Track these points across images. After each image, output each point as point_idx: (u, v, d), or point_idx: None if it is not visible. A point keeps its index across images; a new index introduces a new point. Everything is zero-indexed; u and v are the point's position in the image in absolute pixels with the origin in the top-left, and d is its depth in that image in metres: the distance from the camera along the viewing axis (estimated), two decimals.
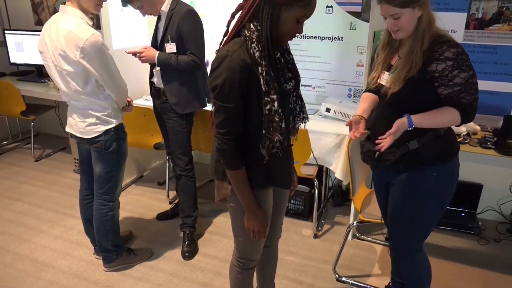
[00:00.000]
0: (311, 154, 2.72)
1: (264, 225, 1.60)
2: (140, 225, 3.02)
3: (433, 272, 2.52)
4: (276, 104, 1.39)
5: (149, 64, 2.59)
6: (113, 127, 2.22)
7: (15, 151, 4.46)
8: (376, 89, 1.79)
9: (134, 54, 2.49)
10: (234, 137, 1.44)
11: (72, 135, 2.30)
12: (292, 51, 1.58)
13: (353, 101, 3.08)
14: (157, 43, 2.52)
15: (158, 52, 2.46)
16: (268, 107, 1.40)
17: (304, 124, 1.65)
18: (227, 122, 1.42)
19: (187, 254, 2.67)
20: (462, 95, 1.56)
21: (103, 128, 2.20)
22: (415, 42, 1.58)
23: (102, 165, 2.28)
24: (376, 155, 1.70)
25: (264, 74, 1.37)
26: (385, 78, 1.71)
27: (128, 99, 2.35)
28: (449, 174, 1.74)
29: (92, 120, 2.18)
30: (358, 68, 3.10)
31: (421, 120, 1.60)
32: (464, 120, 1.62)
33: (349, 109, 2.88)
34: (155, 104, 2.68)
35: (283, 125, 1.43)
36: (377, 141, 1.64)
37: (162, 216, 3.12)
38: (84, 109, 2.17)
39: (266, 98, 1.39)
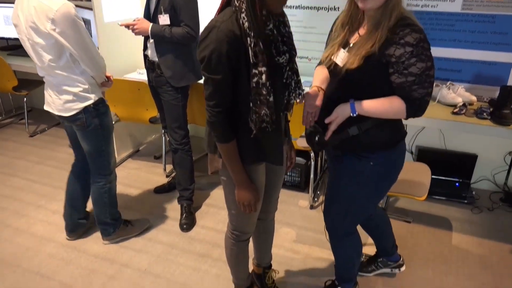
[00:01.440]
0: None
1: (254, 199, 1.60)
2: (138, 199, 3.04)
3: (426, 241, 2.58)
4: (264, 77, 1.37)
5: (143, 36, 2.54)
6: (92, 103, 2.16)
7: (9, 127, 4.42)
8: (328, 68, 1.66)
9: (127, 26, 2.44)
10: (223, 109, 1.43)
11: (51, 113, 2.24)
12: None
13: None
14: (150, 15, 2.46)
15: (151, 24, 2.41)
16: (255, 79, 1.37)
17: (299, 99, 1.60)
18: (215, 94, 1.41)
19: (185, 226, 2.70)
20: (414, 87, 1.45)
21: (81, 105, 2.14)
22: (383, 16, 1.44)
23: (89, 142, 2.26)
24: (317, 138, 1.63)
25: (252, 45, 1.34)
26: (340, 56, 1.57)
27: (108, 74, 2.27)
28: (389, 162, 1.67)
29: (69, 97, 2.12)
30: None
31: (365, 107, 1.51)
32: (411, 115, 1.51)
33: None
34: (149, 77, 2.64)
35: (270, 99, 1.40)
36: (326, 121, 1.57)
37: (159, 190, 3.14)
38: (59, 85, 2.11)
39: (254, 71, 1.36)
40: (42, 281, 2.27)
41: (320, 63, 1.74)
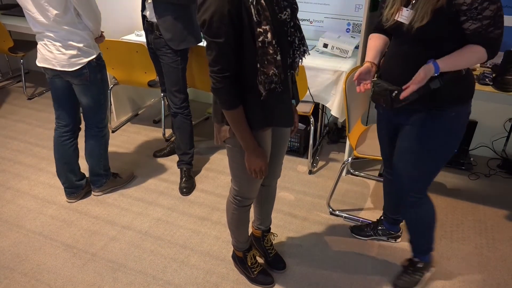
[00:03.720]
0: (308, 91, 2.70)
1: (265, 165, 1.59)
2: (137, 163, 3.06)
3: None
4: (269, 35, 1.33)
5: None
6: (95, 58, 2.25)
7: (6, 89, 4.38)
8: (392, 28, 1.62)
9: None
10: (229, 74, 1.40)
11: (47, 69, 2.27)
12: None
13: (352, 36, 3.00)
14: None
15: None
16: (261, 38, 1.33)
17: (304, 57, 1.58)
18: (220, 59, 1.37)
19: (184, 190, 2.73)
20: (490, 29, 1.44)
21: (85, 60, 2.21)
22: None
23: (90, 96, 2.33)
24: (394, 94, 1.60)
25: (254, 3, 1.30)
26: (404, 15, 1.55)
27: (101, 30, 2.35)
28: (465, 116, 1.68)
29: (74, 52, 2.17)
30: (358, 1, 2.98)
31: (447, 63, 1.50)
32: (491, 56, 1.51)
33: (347, 45, 2.82)
34: (148, 39, 2.59)
35: (278, 58, 1.37)
36: (404, 87, 1.53)
37: (158, 154, 3.15)
38: (63, 40, 2.15)
39: (258, 29, 1.32)
40: (45, 242, 2.32)
41: (377, 28, 1.75)
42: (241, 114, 1.47)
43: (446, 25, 1.48)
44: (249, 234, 2.06)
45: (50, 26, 2.11)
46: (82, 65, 2.21)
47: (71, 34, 2.14)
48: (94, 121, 2.45)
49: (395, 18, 1.59)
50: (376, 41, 1.75)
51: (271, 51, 1.35)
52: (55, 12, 2.05)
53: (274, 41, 1.34)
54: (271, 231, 2.16)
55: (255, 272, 2.05)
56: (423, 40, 1.54)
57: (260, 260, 2.15)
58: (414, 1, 1.53)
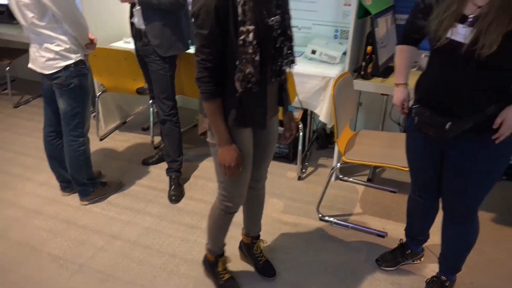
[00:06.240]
0: (296, 98, 2.71)
1: (235, 162, 1.59)
2: (126, 171, 3.03)
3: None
4: (251, 35, 1.38)
5: (129, 3, 2.46)
6: (73, 63, 2.24)
7: None
8: (443, 48, 1.43)
9: None
10: (210, 65, 1.45)
11: (33, 70, 2.30)
12: None
13: (340, 43, 3.03)
14: None
15: None
16: (242, 37, 1.39)
17: (291, 67, 1.61)
18: (202, 49, 1.43)
19: (173, 197, 2.71)
20: None
21: (62, 63, 2.21)
22: None
23: (66, 101, 2.32)
24: (447, 126, 1.48)
25: (242, 3, 1.36)
26: (461, 33, 1.35)
27: (92, 37, 2.33)
28: None
29: (51, 55, 2.18)
30: (346, 8, 3.01)
31: None
32: None
33: (335, 51, 2.84)
34: (136, 46, 2.58)
35: (256, 58, 1.42)
36: (494, 137, 1.44)
37: (147, 161, 3.13)
38: (42, 43, 2.17)
39: (241, 28, 1.38)
40: (32, 253, 2.28)
41: (406, 37, 1.66)
42: (218, 107, 1.52)
43: None
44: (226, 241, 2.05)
45: (31, 29, 2.14)
46: (58, 69, 2.21)
47: (49, 38, 2.15)
48: (69, 129, 2.41)
49: (448, 36, 1.40)
50: (407, 58, 1.68)
51: (250, 51, 1.40)
52: (31, 15, 2.07)
53: (255, 42, 1.39)
54: (260, 238, 2.16)
55: (223, 279, 2.04)
56: (490, 70, 1.37)
57: (230, 268, 2.11)
58: (471, 19, 1.34)
